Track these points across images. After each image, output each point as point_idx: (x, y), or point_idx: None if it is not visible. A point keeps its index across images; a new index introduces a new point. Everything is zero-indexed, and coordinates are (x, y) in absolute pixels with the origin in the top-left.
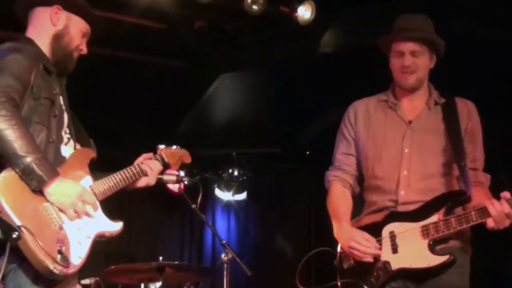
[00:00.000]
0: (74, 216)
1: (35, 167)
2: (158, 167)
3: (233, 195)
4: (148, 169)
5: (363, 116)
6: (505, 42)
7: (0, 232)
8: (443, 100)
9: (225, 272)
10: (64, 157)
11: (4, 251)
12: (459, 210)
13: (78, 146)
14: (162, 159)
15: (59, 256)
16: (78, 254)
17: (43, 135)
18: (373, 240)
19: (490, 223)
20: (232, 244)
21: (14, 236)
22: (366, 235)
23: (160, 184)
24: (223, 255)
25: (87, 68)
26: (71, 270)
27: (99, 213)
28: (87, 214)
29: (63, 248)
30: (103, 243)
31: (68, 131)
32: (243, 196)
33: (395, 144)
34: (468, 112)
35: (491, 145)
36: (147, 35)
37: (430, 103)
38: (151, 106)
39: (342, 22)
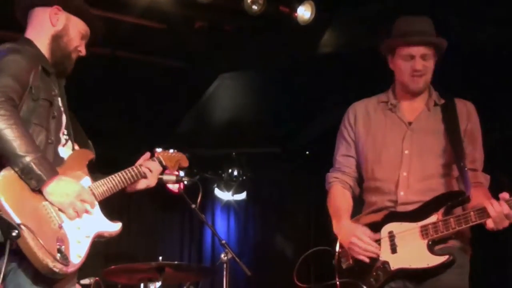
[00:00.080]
0: (74, 215)
1: (34, 166)
2: (157, 168)
3: (232, 195)
4: (147, 171)
5: (363, 117)
6: (505, 42)
7: (0, 230)
8: (442, 101)
9: (224, 272)
10: (62, 158)
11: (4, 252)
12: (458, 211)
13: (76, 147)
14: (160, 162)
15: (58, 254)
16: (77, 253)
17: (42, 136)
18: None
19: (490, 223)
20: (231, 244)
21: (13, 234)
22: (367, 231)
23: (160, 184)
24: (222, 255)
25: (87, 68)
26: (70, 269)
27: (99, 213)
28: (87, 212)
29: (63, 247)
30: (103, 243)
31: (66, 132)
32: (242, 196)
33: (395, 146)
34: (467, 113)
35: (491, 145)
36: (147, 35)
37: (430, 104)
38: (151, 106)
39: (342, 22)
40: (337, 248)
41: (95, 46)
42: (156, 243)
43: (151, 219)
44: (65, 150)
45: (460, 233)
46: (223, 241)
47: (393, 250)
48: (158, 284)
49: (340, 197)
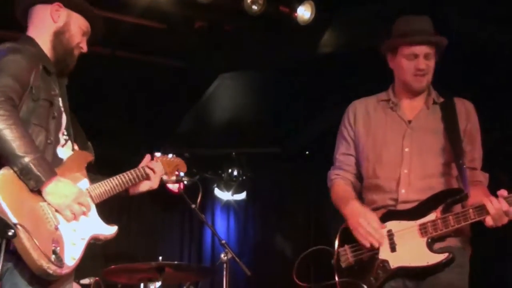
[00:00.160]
0: (71, 217)
1: (33, 167)
2: (160, 170)
3: (232, 195)
4: (151, 172)
5: (363, 116)
6: (506, 41)
7: None
8: (441, 100)
9: (224, 272)
10: (61, 159)
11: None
12: (458, 208)
13: (76, 148)
14: None
15: (53, 256)
16: (72, 255)
17: (42, 136)
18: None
19: (489, 221)
20: (231, 244)
21: (9, 233)
22: (377, 219)
23: (160, 184)
24: (222, 255)
25: (87, 68)
26: (64, 271)
27: (95, 216)
28: (83, 214)
29: (58, 248)
30: (103, 243)
31: (66, 133)
32: (242, 196)
33: (395, 144)
34: (466, 113)
35: (491, 145)
36: (147, 35)
37: (429, 102)
38: (151, 106)
39: (342, 22)
40: (336, 247)
41: (95, 46)
42: (156, 243)
43: (151, 219)
44: (65, 151)
45: (460, 232)
46: (223, 241)
47: (393, 248)
48: (158, 284)
49: (344, 188)
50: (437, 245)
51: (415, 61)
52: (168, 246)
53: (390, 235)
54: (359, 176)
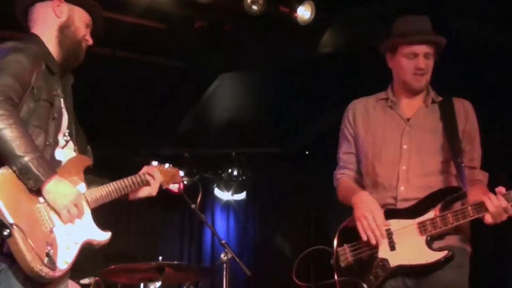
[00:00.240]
0: (67, 217)
1: (32, 166)
2: (160, 177)
3: (232, 195)
4: (150, 178)
5: (362, 115)
6: (506, 41)
7: None
8: (440, 99)
9: (224, 272)
10: (59, 162)
11: None
12: (457, 207)
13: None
14: None
15: (46, 258)
16: (65, 259)
17: (41, 138)
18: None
19: (488, 218)
20: (231, 244)
21: (5, 233)
22: (383, 216)
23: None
24: (222, 255)
25: (86, 68)
26: (57, 274)
27: (89, 221)
28: (79, 217)
29: (51, 251)
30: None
31: (68, 133)
32: (242, 196)
33: (394, 142)
34: (465, 113)
35: (491, 145)
36: (147, 35)
37: (428, 101)
38: (151, 106)
39: (342, 22)
40: (335, 247)
41: (95, 45)
42: (156, 243)
43: (151, 219)
44: (65, 152)
45: (459, 230)
46: (223, 241)
47: (392, 247)
48: (158, 284)
49: (351, 183)
50: (437, 244)
51: (415, 60)
52: (168, 246)
53: (389, 233)
54: (361, 174)
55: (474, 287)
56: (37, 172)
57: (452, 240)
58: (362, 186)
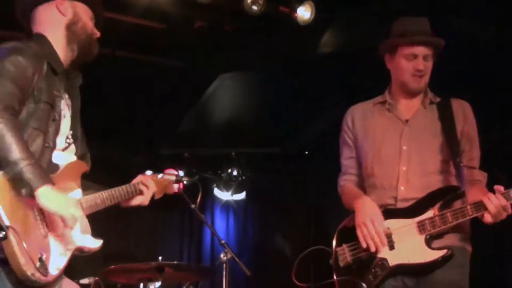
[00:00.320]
0: (61, 224)
1: (25, 174)
2: (153, 186)
3: (232, 195)
4: (144, 188)
5: (361, 120)
6: (505, 41)
7: None
8: (438, 100)
9: (224, 272)
10: (56, 165)
11: None
12: (457, 206)
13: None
14: None
15: (39, 263)
16: (56, 265)
17: (40, 140)
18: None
19: (488, 217)
20: (231, 244)
21: (0, 235)
22: (383, 223)
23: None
24: (222, 255)
25: (86, 68)
26: (48, 279)
27: (83, 228)
28: (72, 224)
29: (44, 256)
30: (102, 243)
31: (71, 135)
32: (242, 196)
33: (393, 143)
34: (463, 114)
35: (490, 145)
36: (147, 35)
37: (426, 103)
38: (151, 106)
39: (342, 22)
40: (334, 247)
41: None
42: (155, 243)
43: (151, 219)
44: (65, 155)
45: (459, 229)
46: (223, 241)
47: (391, 246)
48: (158, 284)
49: (354, 189)
50: (437, 243)
51: (414, 62)
52: (168, 246)
53: (389, 233)
54: (362, 177)
55: (474, 287)
56: (29, 180)
57: (452, 240)
58: (364, 188)
